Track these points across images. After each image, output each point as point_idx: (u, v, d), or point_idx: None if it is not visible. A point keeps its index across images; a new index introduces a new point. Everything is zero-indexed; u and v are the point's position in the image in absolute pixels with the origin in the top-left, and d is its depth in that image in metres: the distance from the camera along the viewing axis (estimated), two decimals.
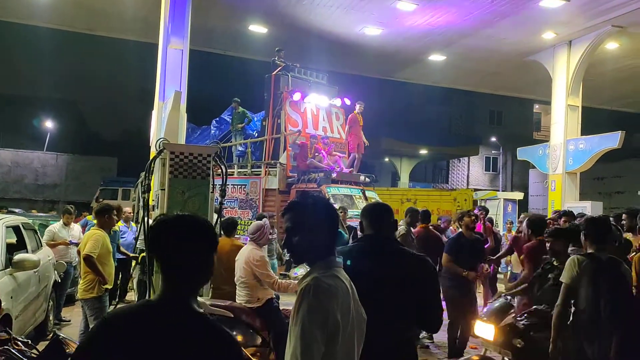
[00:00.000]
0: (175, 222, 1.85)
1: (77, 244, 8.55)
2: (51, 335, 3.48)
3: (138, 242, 8.26)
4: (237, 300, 5.63)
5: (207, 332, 1.75)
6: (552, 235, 5.08)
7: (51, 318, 7.88)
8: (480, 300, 9.68)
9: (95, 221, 8.56)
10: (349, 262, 2.62)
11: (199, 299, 5.49)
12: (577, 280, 4.07)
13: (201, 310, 1.83)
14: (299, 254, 2.28)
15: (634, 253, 5.40)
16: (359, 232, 3.60)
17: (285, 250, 2.33)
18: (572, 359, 4.13)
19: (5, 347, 3.17)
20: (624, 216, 6.47)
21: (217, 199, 6.99)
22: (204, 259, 1.83)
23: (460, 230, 7.72)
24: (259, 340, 5.43)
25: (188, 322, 1.74)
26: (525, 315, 5.07)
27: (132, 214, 10.24)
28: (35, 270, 6.42)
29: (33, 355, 3.18)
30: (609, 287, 4.00)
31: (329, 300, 2.02)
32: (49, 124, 32.94)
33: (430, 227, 8.37)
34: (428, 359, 7.21)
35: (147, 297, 6.56)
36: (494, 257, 8.66)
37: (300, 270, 5.50)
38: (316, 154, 13.68)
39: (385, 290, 2.76)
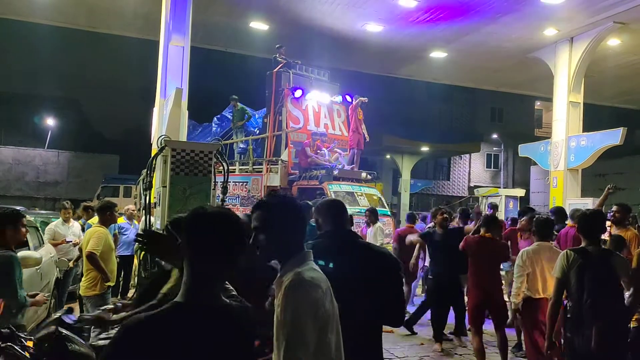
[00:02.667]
0: (216, 216, 1.80)
1: (75, 244, 8.54)
2: (54, 332, 3.49)
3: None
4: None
5: (244, 327, 1.74)
6: None
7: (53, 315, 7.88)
8: None
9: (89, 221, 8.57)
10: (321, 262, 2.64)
11: None
12: (566, 273, 4.23)
13: (229, 302, 1.81)
14: (270, 252, 2.28)
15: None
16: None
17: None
18: (565, 350, 4.31)
19: (9, 344, 3.19)
20: (614, 207, 6.56)
21: (219, 196, 7.00)
22: (236, 255, 1.79)
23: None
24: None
25: (226, 318, 1.71)
26: None
27: (135, 212, 10.23)
28: (37, 267, 6.42)
29: (37, 351, 3.19)
30: (593, 280, 4.14)
31: (316, 291, 2.05)
32: (50, 122, 32.95)
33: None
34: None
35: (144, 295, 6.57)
36: None
37: None
38: (318, 150, 13.68)
39: (354, 285, 2.71)
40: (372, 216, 9.82)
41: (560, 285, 4.28)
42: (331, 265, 2.73)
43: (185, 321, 1.65)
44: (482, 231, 6.44)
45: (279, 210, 2.28)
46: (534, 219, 5.90)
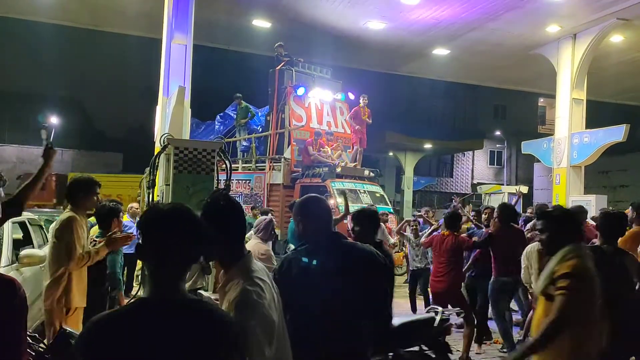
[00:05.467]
0: (169, 214, 1.80)
1: None
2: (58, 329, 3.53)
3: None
4: None
5: (207, 319, 1.75)
6: None
7: None
8: None
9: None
10: (315, 262, 2.65)
11: (203, 293, 5.50)
12: None
13: (194, 297, 1.83)
14: (213, 256, 2.28)
15: None
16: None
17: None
18: None
19: None
20: (628, 210, 6.51)
21: None
22: (195, 251, 1.80)
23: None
24: None
25: (188, 313, 1.73)
26: None
27: (138, 209, 10.28)
28: (41, 265, 6.44)
29: (40, 349, 3.21)
30: (605, 278, 4.09)
31: (262, 306, 2.08)
32: (53, 120, 33.01)
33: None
34: None
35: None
36: None
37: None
38: (320, 148, 13.70)
39: (337, 285, 2.69)
40: None
41: None
42: (314, 262, 2.73)
43: (148, 316, 1.68)
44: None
45: (219, 215, 2.24)
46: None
